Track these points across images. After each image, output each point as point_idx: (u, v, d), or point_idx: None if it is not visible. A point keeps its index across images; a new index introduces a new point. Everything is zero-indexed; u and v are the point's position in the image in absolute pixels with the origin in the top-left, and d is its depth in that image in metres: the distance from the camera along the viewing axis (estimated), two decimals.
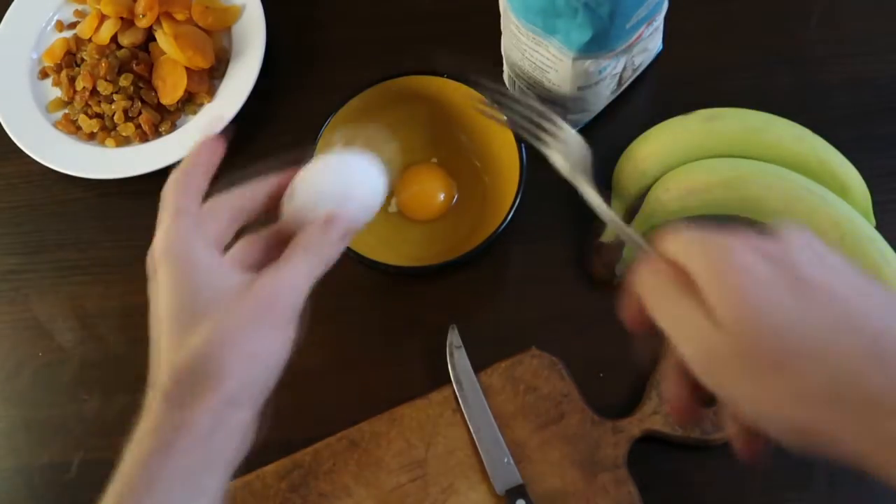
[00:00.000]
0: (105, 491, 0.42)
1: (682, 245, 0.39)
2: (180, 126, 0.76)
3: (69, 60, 0.78)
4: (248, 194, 0.48)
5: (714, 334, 0.36)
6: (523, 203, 0.63)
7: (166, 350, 0.42)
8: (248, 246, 0.48)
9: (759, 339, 0.35)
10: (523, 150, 0.65)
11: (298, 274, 0.44)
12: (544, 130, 0.56)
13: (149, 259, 0.45)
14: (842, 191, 0.63)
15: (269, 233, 0.49)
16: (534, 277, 0.68)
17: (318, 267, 0.45)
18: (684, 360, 0.37)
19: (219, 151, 0.49)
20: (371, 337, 0.68)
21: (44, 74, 0.79)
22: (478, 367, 0.63)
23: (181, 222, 0.45)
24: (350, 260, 0.63)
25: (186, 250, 0.44)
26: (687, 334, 0.37)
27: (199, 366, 0.41)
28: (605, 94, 0.69)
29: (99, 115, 0.76)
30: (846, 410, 0.33)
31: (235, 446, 0.43)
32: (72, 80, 0.77)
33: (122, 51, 0.77)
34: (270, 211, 0.49)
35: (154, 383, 0.43)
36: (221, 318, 0.42)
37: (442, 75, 0.68)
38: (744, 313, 0.35)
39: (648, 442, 0.61)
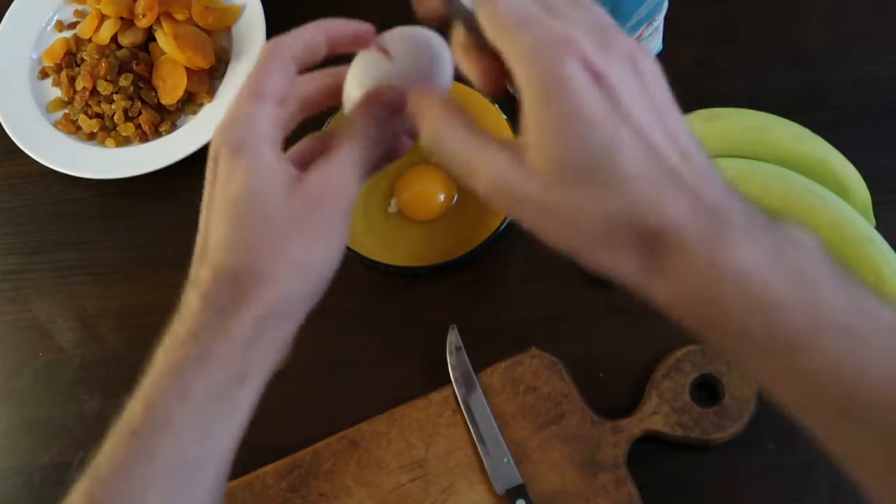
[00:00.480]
0: (134, 392, 0.39)
1: (508, 37, 0.36)
2: (180, 126, 0.76)
3: (69, 60, 0.78)
4: (314, 84, 0.43)
5: (519, 168, 0.35)
6: None
7: (214, 247, 0.39)
8: (309, 143, 0.44)
9: (574, 168, 0.34)
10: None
11: (344, 164, 0.40)
12: None
13: (214, 141, 0.40)
14: (841, 191, 0.63)
15: (330, 133, 0.44)
16: (534, 277, 0.68)
17: (364, 150, 0.41)
18: (477, 190, 0.36)
19: (357, 36, 0.43)
20: (371, 337, 0.68)
21: (44, 74, 0.79)
22: (478, 367, 0.63)
23: (261, 110, 0.39)
24: (350, 260, 0.63)
25: (258, 144, 0.39)
26: (483, 170, 0.36)
27: (244, 270, 0.38)
28: None
29: (99, 115, 0.76)
30: (633, 241, 0.34)
31: (273, 358, 0.40)
32: (72, 80, 0.77)
33: (122, 51, 0.77)
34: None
35: (194, 280, 0.40)
36: (270, 220, 0.38)
37: None
38: (565, 154, 0.34)
39: (648, 442, 0.61)
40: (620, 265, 0.34)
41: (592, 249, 0.35)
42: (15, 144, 0.75)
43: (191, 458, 0.38)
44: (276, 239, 0.38)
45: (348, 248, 0.62)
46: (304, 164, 0.41)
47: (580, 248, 0.35)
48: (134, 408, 0.38)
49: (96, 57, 0.76)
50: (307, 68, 0.42)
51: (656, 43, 0.72)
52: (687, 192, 0.33)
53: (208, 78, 0.77)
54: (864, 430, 0.31)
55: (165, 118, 0.76)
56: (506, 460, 0.60)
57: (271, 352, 0.39)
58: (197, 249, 0.40)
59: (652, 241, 0.33)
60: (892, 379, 0.31)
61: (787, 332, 0.32)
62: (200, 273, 0.39)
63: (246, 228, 0.39)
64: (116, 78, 0.75)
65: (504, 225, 0.62)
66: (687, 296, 0.33)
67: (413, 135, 0.43)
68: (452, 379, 0.63)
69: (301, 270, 0.39)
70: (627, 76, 0.35)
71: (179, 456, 0.37)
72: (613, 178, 0.33)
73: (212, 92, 0.77)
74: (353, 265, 0.64)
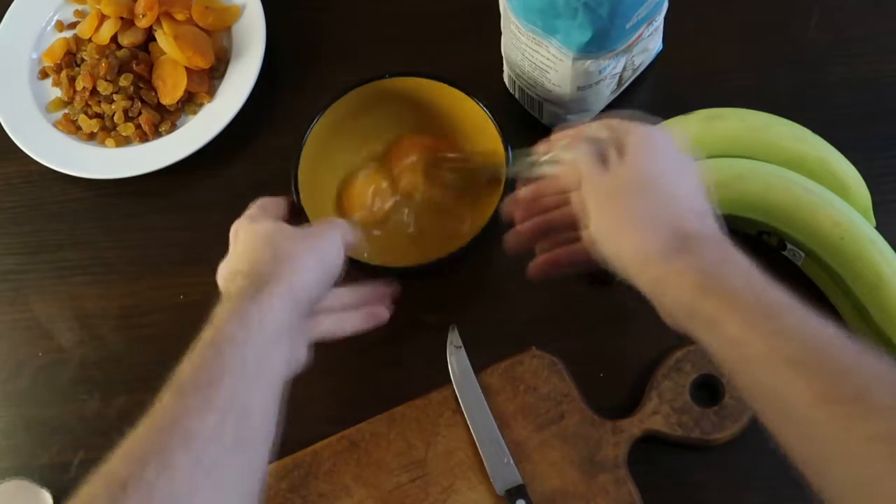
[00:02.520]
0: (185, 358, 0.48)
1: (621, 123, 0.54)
2: (180, 126, 0.76)
3: (69, 60, 0.78)
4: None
5: (605, 174, 0.52)
6: None
7: (245, 263, 0.54)
8: None
9: (639, 183, 0.51)
10: (509, 150, 0.64)
11: (339, 230, 0.59)
12: None
13: (234, 225, 0.58)
14: (842, 191, 0.63)
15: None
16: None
17: (347, 235, 0.59)
18: (572, 187, 0.54)
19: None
20: (371, 337, 0.68)
21: (44, 74, 0.79)
22: (478, 367, 0.63)
23: (268, 204, 0.61)
24: (350, 261, 0.63)
25: (267, 216, 0.59)
26: (586, 169, 0.53)
27: (269, 270, 0.52)
28: (605, 94, 0.69)
29: (99, 115, 0.76)
30: (664, 236, 0.48)
31: (296, 332, 0.53)
32: (72, 80, 0.77)
33: (122, 51, 0.77)
34: None
35: (228, 292, 0.53)
36: (289, 238, 0.55)
37: (423, 76, 0.68)
38: (638, 165, 0.52)
39: (648, 442, 0.61)
40: (655, 244, 0.48)
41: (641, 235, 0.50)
42: (15, 144, 0.75)
43: (250, 364, 0.48)
44: (294, 247, 0.54)
45: (350, 259, 0.62)
46: None
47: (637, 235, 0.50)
48: (203, 336, 0.49)
49: (96, 57, 0.76)
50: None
51: (656, 43, 0.72)
52: (705, 217, 0.50)
53: (208, 78, 0.77)
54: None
55: (165, 118, 0.76)
56: (506, 460, 0.60)
57: (295, 325, 0.52)
58: (229, 276, 0.55)
59: (684, 236, 0.48)
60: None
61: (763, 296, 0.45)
62: (232, 285, 0.53)
63: (272, 243, 0.54)
64: (116, 78, 0.75)
65: (490, 221, 0.62)
66: (698, 267, 0.46)
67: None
68: (452, 379, 0.63)
69: (308, 270, 0.54)
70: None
71: (240, 360, 0.48)
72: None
73: (212, 92, 0.77)
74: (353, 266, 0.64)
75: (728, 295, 0.45)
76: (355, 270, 0.64)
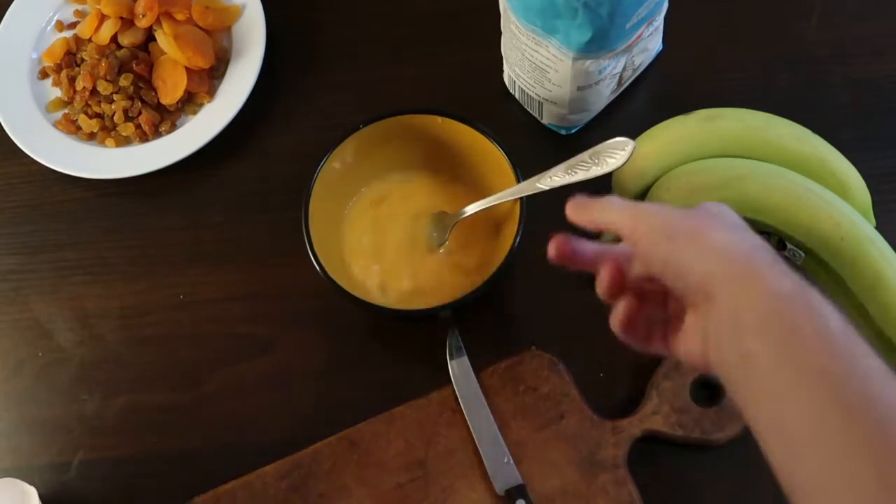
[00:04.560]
0: None
1: None
2: (180, 126, 0.76)
3: (69, 60, 0.78)
4: None
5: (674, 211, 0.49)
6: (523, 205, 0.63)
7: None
8: None
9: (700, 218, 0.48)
10: (520, 178, 0.63)
11: None
12: None
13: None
14: (842, 191, 0.63)
15: None
16: (534, 277, 0.68)
17: None
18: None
19: None
20: (371, 337, 0.68)
21: (44, 74, 0.79)
22: (478, 367, 0.63)
23: None
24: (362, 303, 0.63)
25: None
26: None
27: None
28: (605, 94, 0.69)
29: (99, 115, 0.76)
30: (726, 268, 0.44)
31: None
32: (72, 80, 0.77)
33: (122, 51, 0.77)
34: None
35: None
36: None
37: (441, 114, 0.67)
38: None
39: (648, 442, 0.61)
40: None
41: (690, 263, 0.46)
42: (15, 144, 0.75)
43: None
44: None
45: (353, 297, 0.62)
46: None
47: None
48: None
49: (96, 57, 0.76)
50: None
51: (656, 43, 0.72)
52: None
53: (208, 78, 0.77)
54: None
55: (165, 118, 0.76)
56: (506, 460, 0.60)
57: None
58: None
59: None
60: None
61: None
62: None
63: None
64: (116, 78, 0.75)
65: (502, 267, 0.61)
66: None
67: None
68: (452, 379, 0.63)
69: None
70: None
71: None
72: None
73: (212, 92, 0.77)
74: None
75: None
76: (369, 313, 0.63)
